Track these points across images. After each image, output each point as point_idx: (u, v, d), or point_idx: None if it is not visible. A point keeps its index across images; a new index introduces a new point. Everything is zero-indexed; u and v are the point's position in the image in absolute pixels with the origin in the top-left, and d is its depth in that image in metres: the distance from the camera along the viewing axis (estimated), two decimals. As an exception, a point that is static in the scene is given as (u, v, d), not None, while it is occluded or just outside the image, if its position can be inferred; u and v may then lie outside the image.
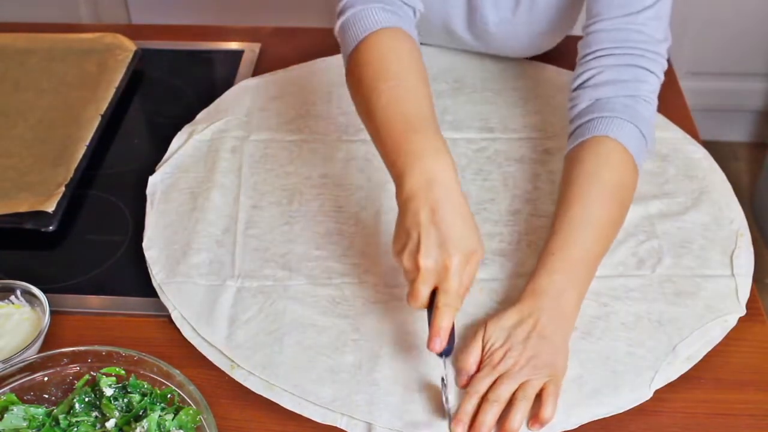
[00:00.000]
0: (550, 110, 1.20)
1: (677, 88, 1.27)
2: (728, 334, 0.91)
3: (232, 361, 0.88)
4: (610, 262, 0.97)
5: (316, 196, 1.06)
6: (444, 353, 0.82)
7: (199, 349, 0.90)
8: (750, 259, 0.98)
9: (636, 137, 0.97)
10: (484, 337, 0.85)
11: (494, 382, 0.82)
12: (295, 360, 0.88)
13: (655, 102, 1.00)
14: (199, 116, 1.19)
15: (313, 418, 0.83)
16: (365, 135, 1.14)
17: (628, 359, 0.88)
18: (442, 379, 0.82)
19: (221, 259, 0.98)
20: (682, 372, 0.87)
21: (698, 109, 1.35)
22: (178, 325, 0.92)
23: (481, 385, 0.82)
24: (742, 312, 0.92)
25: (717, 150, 1.20)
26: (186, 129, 1.16)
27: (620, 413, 0.84)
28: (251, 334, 0.90)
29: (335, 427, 0.83)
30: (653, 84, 1.00)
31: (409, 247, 0.81)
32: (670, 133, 1.16)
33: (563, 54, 1.28)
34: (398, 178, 0.84)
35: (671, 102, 1.24)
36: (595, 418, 0.83)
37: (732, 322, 0.92)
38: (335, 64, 1.28)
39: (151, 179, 1.08)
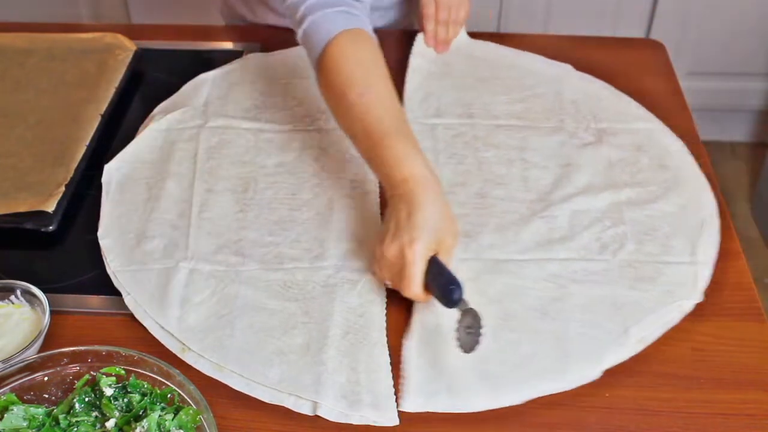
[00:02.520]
0: (535, 99, 1.21)
1: (677, 88, 1.27)
2: (728, 333, 0.91)
3: (183, 344, 0.89)
4: (573, 246, 0.98)
5: (271, 185, 1.07)
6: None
7: (151, 331, 0.90)
8: (714, 249, 0.99)
9: None
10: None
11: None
12: (246, 343, 0.89)
13: None
14: (156, 110, 1.19)
15: (261, 399, 0.85)
16: (320, 124, 1.15)
17: (580, 339, 0.89)
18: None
19: (176, 242, 0.99)
20: (634, 353, 0.88)
21: (698, 109, 1.35)
22: (131, 309, 0.92)
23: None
24: (700, 298, 0.93)
25: (717, 150, 1.20)
26: (144, 123, 1.17)
27: (619, 414, 0.84)
28: (202, 318, 0.91)
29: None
30: None
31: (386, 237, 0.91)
32: (650, 124, 1.17)
33: (555, 47, 1.31)
34: (383, 181, 0.96)
35: (671, 102, 1.24)
36: (543, 395, 0.85)
37: (688, 307, 0.93)
38: (291, 55, 1.28)
39: (107, 168, 1.09)
